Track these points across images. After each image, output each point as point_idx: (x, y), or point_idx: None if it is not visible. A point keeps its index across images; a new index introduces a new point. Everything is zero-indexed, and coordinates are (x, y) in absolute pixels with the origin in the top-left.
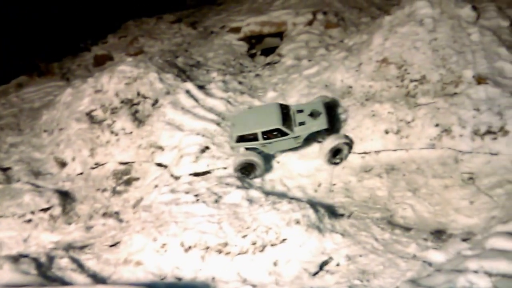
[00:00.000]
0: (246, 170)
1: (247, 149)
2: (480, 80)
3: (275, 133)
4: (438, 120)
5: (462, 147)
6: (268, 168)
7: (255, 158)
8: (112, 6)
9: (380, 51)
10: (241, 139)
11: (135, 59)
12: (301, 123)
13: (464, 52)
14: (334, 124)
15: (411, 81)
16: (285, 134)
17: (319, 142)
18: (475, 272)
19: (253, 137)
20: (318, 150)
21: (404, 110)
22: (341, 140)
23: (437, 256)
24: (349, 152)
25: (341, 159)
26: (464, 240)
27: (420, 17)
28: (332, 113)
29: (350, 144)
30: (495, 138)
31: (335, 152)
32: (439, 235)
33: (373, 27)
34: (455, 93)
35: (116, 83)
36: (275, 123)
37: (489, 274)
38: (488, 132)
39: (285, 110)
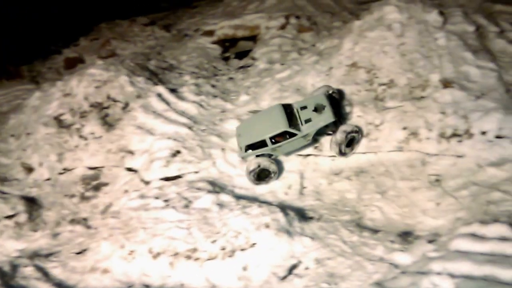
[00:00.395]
0: (260, 176)
1: (257, 155)
2: (446, 84)
3: (283, 135)
4: (405, 123)
5: (429, 149)
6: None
7: (267, 163)
8: (84, 8)
9: (350, 56)
10: (250, 147)
11: (106, 62)
12: (307, 120)
13: (431, 56)
14: (341, 114)
15: (380, 85)
16: (294, 134)
17: (330, 134)
18: (439, 273)
19: (261, 144)
20: (330, 144)
21: (373, 114)
22: (350, 130)
23: (403, 258)
24: (360, 139)
25: (353, 148)
26: (430, 241)
27: (389, 22)
28: (337, 104)
29: (360, 131)
30: (460, 141)
31: (348, 142)
32: (406, 237)
33: (344, 31)
34: (422, 97)
35: (86, 87)
36: (282, 126)
37: (452, 276)
38: (454, 135)
39: (288, 110)
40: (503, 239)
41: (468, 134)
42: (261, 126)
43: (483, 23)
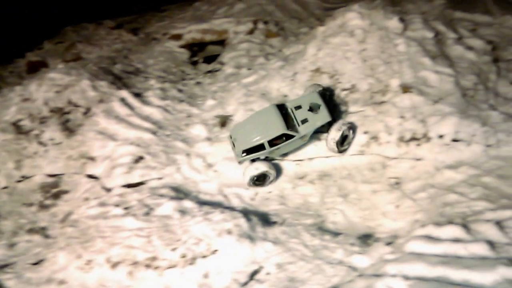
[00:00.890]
0: (258, 180)
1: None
2: (405, 89)
3: (280, 138)
4: (366, 127)
5: (389, 153)
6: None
7: (266, 168)
8: (49, 11)
9: (313, 61)
10: (248, 151)
11: (67, 66)
12: (304, 121)
13: (391, 62)
14: (333, 113)
15: (342, 90)
16: (291, 136)
17: (324, 132)
18: (393, 276)
19: (259, 147)
20: (326, 143)
21: None
22: (344, 127)
23: (361, 261)
24: (354, 135)
25: (349, 144)
26: (388, 244)
27: (351, 28)
28: (328, 102)
29: (353, 127)
30: (419, 144)
31: (342, 139)
32: (366, 239)
33: (309, 37)
34: (383, 102)
35: (46, 91)
36: (279, 129)
37: (406, 278)
38: (413, 138)
39: (283, 111)
40: (456, 240)
41: (426, 137)
42: (258, 129)
43: (442, 30)
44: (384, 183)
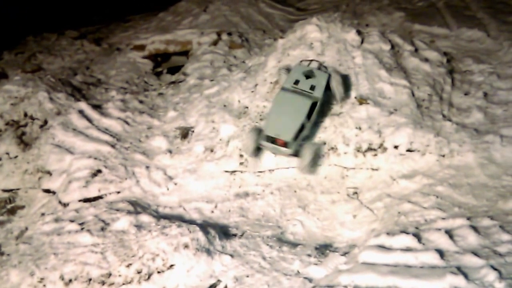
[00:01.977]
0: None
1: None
2: (361, 100)
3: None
4: (325, 138)
5: (347, 163)
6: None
7: (317, 147)
8: (9, 21)
9: (274, 73)
10: (296, 137)
11: (24, 77)
12: (312, 87)
13: (349, 74)
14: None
15: None
16: (315, 104)
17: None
18: (345, 286)
19: (301, 128)
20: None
21: None
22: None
23: (317, 272)
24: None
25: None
26: (344, 254)
27: (310, 40)
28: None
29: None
30: (375, 155)
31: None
32: (324, 249)
33: (270, 49)
34: (341, 113)
35: (1, 104)
36: (306, 102)
37: None
38: (369, 149)
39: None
40: (407, 249)
41: (382, 148)
42: (290, 114)
43: (399, 42)
44: (343, 193)
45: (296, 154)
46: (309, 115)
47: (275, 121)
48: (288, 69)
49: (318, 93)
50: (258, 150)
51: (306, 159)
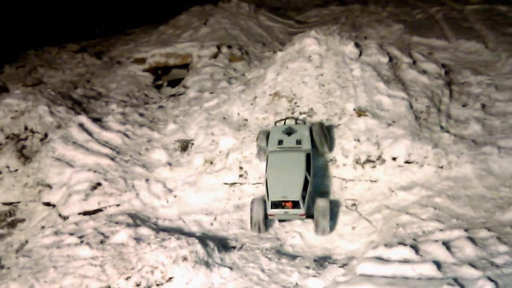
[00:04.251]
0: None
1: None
2: (360, 112)
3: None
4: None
5: (346, 175)
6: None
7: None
8: (11, 34)
9: (273, 85)
10: (303, 195)
11: (24, 91)
12: (298, 141)
13: (347, 86)
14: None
15: (300, 113)
16: (309, 155)
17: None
18: None
19: (305, 183)
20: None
21: None
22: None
23: (315, 284)
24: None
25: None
26: (343, 266)
27: (309, 53)
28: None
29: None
30: (374, 166)
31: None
32: (323, 261)
33: (269, 62)
34: (339, 125)
35: (2, 117)
36: (301, 155)
37: None
38: (368, 161)
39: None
40: (405, 261)
41: (381, 160)
42: (289, 172)
43: (397, 55)
44: (342, 204)
45: (308, 214)
46: (308, 169)
47: (276, 184)
48: (266, 133)
49: (307, 145)
50: (266, 225)
51: (322, 221)
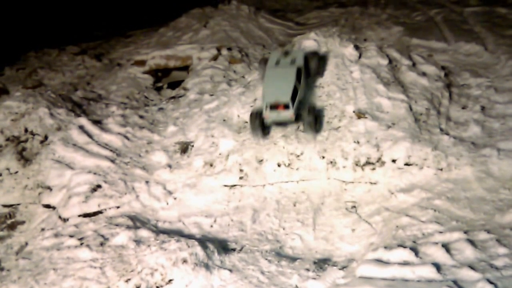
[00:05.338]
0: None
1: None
2: (359, 115)
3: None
4: (324, 153)
5: (346, 177)
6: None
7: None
8: (11, 36)
9: None
10: (292, 100)
11: (24, 93)
12: (293, 61)
13: (347, 88)
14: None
15: None
16: (300, 71)
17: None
18: None
19: (294, 91)
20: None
21: (294, 144)
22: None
23: (315, 286)
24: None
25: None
26: (343, 268)
27: None
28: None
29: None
30: (374, 169)
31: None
32: (323, 264)
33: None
34: (339, 127)
35: (2, 120)
36: (292, 69)
37: None
38: (368, 163)
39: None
40: (405, 263)
41: (380, 162)
42: (282, 81)
43: (397, 57)
44: (342, 207)
45: (298, 118)
46: (298, 80)
47: (270, 91)
48: (265, 60)
49: (300, 62)
50: (266, 130)
51: (307, 118)
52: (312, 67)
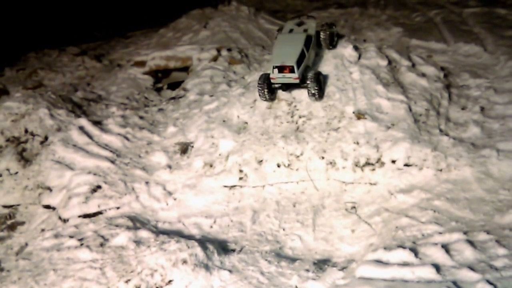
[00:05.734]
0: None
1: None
2: (359, 115)
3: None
4: (323, 153)
5: (345, 178)
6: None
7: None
8: (11, 37)
9: None
10: (298, 63)
11: (24, 94)
12: (306, 29)
13: (346, 89)
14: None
15: (300, 117)
16: (310, 37)
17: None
18: None
19: (302, 55)
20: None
21: (294, 145)
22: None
23: (315, 287)
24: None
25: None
26: (342, 269)
27: None
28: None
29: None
30: (373, 169)
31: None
32: (322, 264)
33: (268, 65)
34: (338, 128)
35: (2, 120)
36: (301, 35)
37: None
38: (367, 163)
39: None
40: (404, 264)
41: (380, 162)
42: (290, 45)
43: (396, 58)
44: (341, 207)
45: (303, 83)
46: (306, 46)
47: (278, 54)
48: (281, 29)
49: (311, 31)
50: (272, 93)
51: (311, 83)
52: (323, 38)
